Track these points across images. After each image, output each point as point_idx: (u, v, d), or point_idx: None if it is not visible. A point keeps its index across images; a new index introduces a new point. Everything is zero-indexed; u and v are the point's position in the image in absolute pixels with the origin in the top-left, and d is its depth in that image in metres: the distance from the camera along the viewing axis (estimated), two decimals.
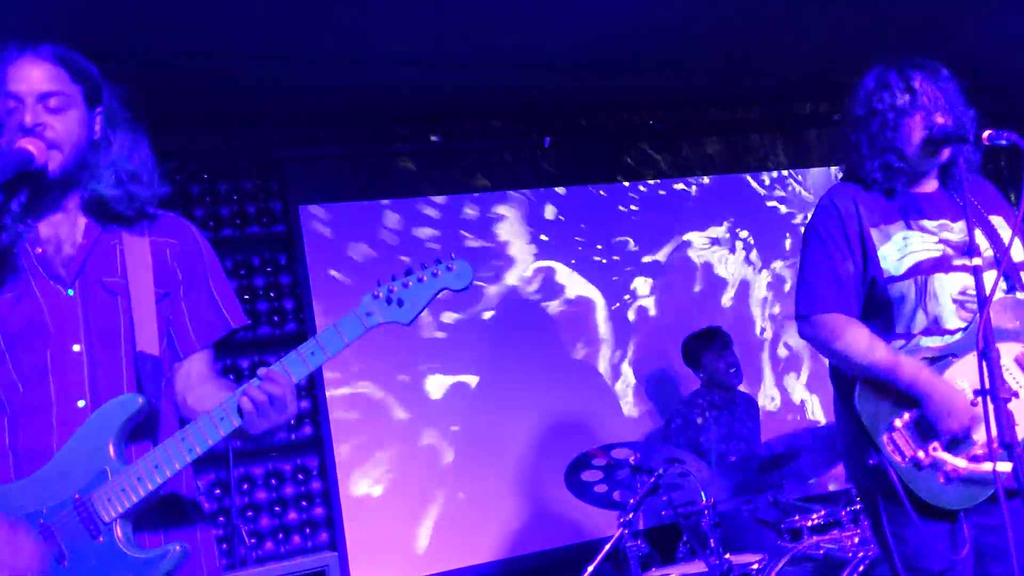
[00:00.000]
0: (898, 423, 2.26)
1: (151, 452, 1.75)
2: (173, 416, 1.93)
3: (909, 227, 2.40)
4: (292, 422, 4.61)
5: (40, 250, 1.84)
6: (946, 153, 2.39)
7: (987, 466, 2.16)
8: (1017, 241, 2.43)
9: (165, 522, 1.85)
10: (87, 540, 1.72)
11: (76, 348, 1.81)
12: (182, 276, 1.96)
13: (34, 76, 1.80)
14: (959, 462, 2.22)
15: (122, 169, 1.87)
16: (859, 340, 2.33)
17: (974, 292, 2.33)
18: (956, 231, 2.41)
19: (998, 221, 2.44)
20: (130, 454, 1.78)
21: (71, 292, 1.83)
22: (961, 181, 2.29)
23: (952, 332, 2.35)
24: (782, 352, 5.69)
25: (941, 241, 2.39)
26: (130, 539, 1.73)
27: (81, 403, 1.79)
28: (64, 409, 1.79)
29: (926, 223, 2.42)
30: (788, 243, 5.79)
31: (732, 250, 5.71)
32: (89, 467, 1.74)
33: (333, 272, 4.90)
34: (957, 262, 2.36)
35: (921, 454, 2.24)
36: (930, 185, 2.49)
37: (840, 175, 2.62)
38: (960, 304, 2.34)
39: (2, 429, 1.79)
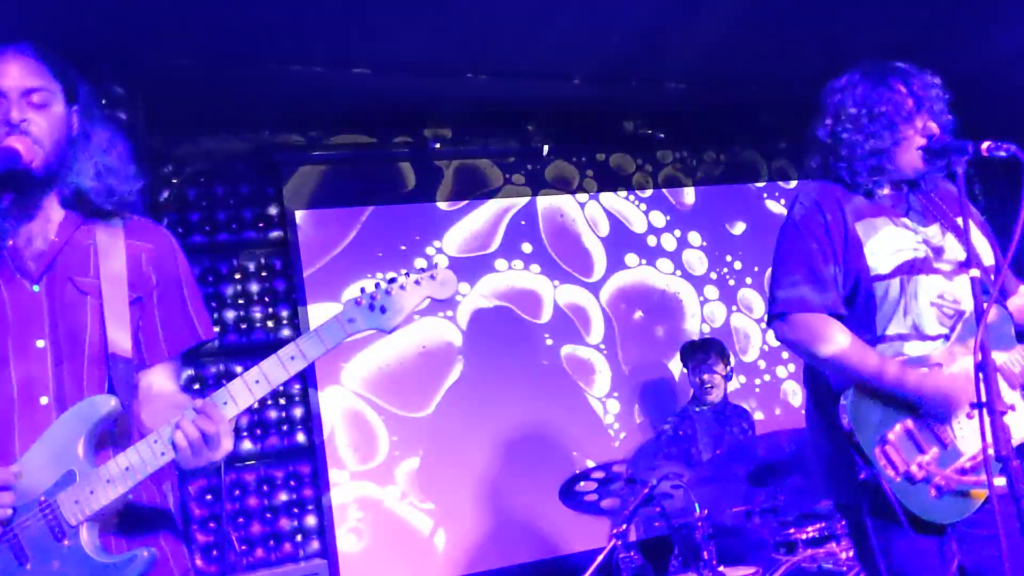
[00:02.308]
0: (891, 436, 2.21)
1: (123, 454, 1.72)
2: None
3: (894, 223, 2.35)
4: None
5: (11, 243, 1.84)
6: (934, 163, 2.34)
7: (978, 479, 2.14)
8: (987, 245, 2.40)
9: (131, 527, 1.82)
10: (51, 543, 1.69)
11: (40, 344, 1.79)
12: (156, 282, 1.94)
13: (18, 71, 1.82)
14: (950, 475, 2.19)
15: (99, 163, 1.89)
16: (845, 343, 2.24)
17: (951, 298, 2.30)
18: (931, 233, 2.37)
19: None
20: (100, 456, 1.76)
21: (36, 288, 1.82)
22: (959, 190, 2.15)
23: (933, 338, 2.30)
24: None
25: (924, 241, 2.34)
26: (96, 543, 1.71)
27: (44, 400, 1.77)
28: (26, 406, 1.77)
29: (906, 220, 2.37)
30: None
31: (726, 258, 5.70)
32: (56, 467, 1.71)
33: (329, 278, 4.88)
34: (936, 264, 2.32)
35: (915, 467, 2.19)
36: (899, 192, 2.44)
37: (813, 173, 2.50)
38: (938, 308, 2.30)
39: None
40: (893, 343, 2.30)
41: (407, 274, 1.81)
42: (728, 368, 4.77)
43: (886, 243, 2.31)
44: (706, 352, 4.74)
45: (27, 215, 1.86)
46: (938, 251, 2.34)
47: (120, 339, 1.83)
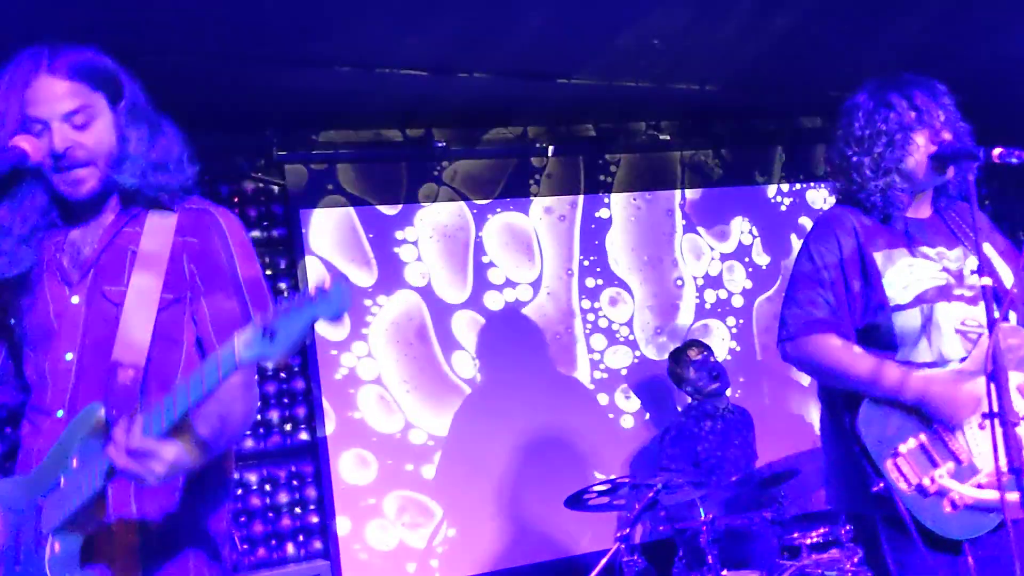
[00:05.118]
0: (903, 448, 2.20)
1: (90, 463, 1.62)
2: None
3: (912, 254, 2.35)
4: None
5: (58, 253, 1.80)
6: (951, 171, 2.35)
7: (993, 494, 2.11)
8: (1008, 269, 2.39)
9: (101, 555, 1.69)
10: (36, 548, 1.66)
11: (68, 357, 1.75)
12: (201, 280, 1.82)
13: (54, 96, 1.72)
14: (965, 489, 2.17)
15: (148, 159, 1.80)
16: (844, 354, 2.28)
17: (975, 322, 2.29)
18: (953, 259, 2.37)
19: (988, 249, 2.39)
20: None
21: (76, 299, 1.78)
22: (969, 197, 2.16)
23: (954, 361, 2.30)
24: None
25: (944, 269, 2.34)
26: (58, 560, 1.61)
27: (60, 413, 1.75)
28: (49, 417, 1.76)
29: (926, 250, 2.37)
30: (792, 255, 5.75)
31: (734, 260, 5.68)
32: (53, 474, 1.68)
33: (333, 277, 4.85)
34: (957, 291, 2.32)
35: (927, 481, 2.18)
36: (924, 210, 2.45)
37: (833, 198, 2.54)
38: (963, 335, 2.30)
39: (23, 425, 1.82)
40: (915, 368, 2.29)
41: (292, 296, 1.48)
42: None
43: (904, 274, 2.32)
44: (699, 345, 4.81)
45: (80, 222, 1.83)
46: (959, 276, 2.34)
47: (131, 345, 1.73)
